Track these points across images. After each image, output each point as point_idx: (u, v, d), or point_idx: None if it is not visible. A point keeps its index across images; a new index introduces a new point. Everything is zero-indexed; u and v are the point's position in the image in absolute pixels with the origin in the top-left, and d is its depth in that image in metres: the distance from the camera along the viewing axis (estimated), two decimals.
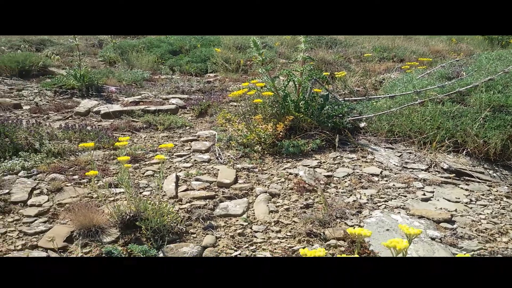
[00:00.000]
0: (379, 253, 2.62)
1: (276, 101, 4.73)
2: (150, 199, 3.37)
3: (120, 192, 3.76)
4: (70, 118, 6.26)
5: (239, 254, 2.82)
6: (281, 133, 4.52)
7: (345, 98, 5.53)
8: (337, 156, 4.37)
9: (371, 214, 3.16)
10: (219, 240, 3.01)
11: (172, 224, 3.10)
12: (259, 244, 2.91)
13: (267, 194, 3.61)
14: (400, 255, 1.53)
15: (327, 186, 3.74)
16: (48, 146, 4.62)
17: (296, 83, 4.82)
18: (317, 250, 1.58)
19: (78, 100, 7.13)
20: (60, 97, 7.34)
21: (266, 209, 3.36)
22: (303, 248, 2.82)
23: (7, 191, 3.75)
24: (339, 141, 4.59)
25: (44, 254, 2.80)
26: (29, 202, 3.61)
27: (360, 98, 5.55)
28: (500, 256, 2.66)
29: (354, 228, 3.01)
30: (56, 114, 6.36)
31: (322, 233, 2.97)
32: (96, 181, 2.99)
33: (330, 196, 3.53)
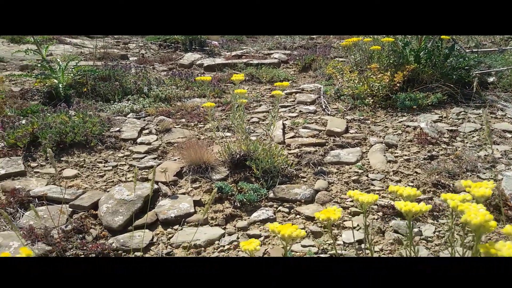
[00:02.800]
0: None
1: (394, 50, 4.32)
2: (259, 141, 3.22)
3: (227, 136, 3.66)
4: (174, 69, 6.33)
5: None
6: (397, 84, 4.13)
7: (473, 50, 4.94)
8: (460, 112, 3.90)
9: (510, 168, 2.74)
10: (332, 185, 2.78)
11: (282, 167, 2.93)
12: (377, 192, 2.64)
13: (383, 144, 3.30)
14: None
15: (453, 140, 3.34)
16: (156, 91, 4.66)
17: None
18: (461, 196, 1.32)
19: (181, 54, 7.21)
20: (164, 51, 7.47)
21: (383, 158, 3.07)
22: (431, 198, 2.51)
23: (118, 129, 3.82)
24: (463, 96, 4.10)
25: (154, 186, 2.77)
26: (138, 140, 3.64)
27: (491, 50, 4.93)
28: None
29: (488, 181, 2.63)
30: (161, 65, 6.47)
31: (451, 185, 2.63)
32: (211, 113, 2.89)
33: (457, 150, 3.13)
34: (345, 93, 4.46)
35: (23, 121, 3.71)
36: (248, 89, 5.36)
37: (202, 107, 2.77)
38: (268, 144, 2.98)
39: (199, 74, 5.96)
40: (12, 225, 1.76)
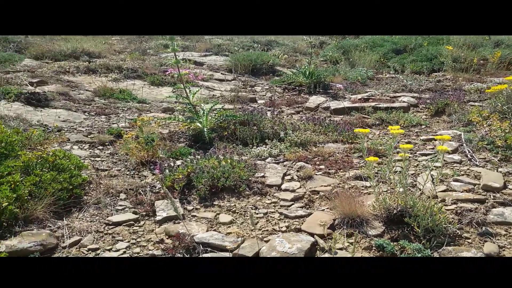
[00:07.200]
0: None
1: None
2: (412, 195, 3.11)
3: (369, 186, 3.59)
4: (301, 112, 6.44)
5: None
6: None
7: None
8: None
9: None
10: (503, 250, 2.58)
11: (444, 225, 2.79)
12: None
13: None
14: None
15: None
16: (291, 136, 4.77)
17: None
18: None
19: (306, 96, 7.33)
20: (289, 93, 7.67)
21: None
22: None
23: (262, 174, 3.94)
24: None
25: (311, 239, 2.77)
26: (283, 187, 3.71)
27: None
28: None
29: None
30: (288, 108, 6.63)
31: None
32: (372, 165, 2.86)
33: None
34: (498, 143, 4.18)
35: (178, 163, 4.00)
36: (379, 133, 5.27)
37: (367, 160, 2.76)
38: (427, 200, 2.86)
39: (327, 118, 5.98)
40: None
